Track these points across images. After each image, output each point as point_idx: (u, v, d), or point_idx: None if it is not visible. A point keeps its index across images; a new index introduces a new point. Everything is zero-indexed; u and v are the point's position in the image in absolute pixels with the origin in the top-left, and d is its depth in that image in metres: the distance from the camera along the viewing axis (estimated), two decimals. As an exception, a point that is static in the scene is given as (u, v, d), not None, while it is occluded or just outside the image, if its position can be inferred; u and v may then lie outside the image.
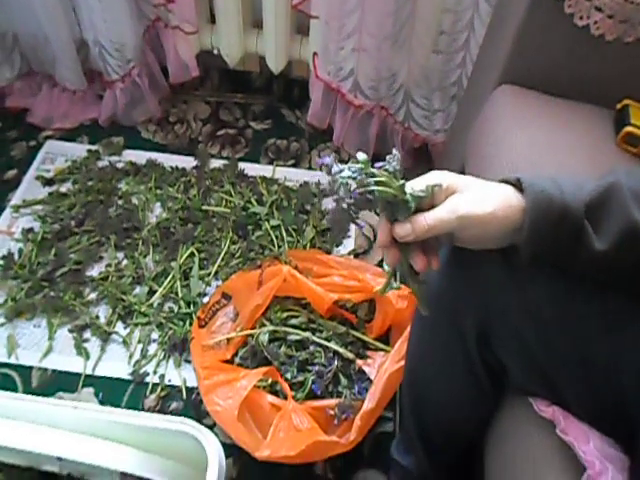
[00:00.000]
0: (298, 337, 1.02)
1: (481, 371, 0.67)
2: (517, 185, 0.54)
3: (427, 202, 0.54)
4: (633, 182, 0.52)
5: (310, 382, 0.98)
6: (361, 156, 0.51)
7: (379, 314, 1.04)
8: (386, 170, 0.52)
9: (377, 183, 0.51)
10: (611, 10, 0.88)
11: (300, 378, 0.99)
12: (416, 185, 0.53)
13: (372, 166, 0.53)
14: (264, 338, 1.02)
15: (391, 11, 1.19)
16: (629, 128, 0.90)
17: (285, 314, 1.06)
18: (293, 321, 1.06)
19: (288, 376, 0.99)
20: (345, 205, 0.52)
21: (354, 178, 0.51)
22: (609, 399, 0.59)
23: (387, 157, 0.53)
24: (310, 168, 1.48)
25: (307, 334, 1.02)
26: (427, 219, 0.53)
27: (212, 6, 1.37)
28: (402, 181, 0.52)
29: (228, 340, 1.04)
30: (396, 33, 1.24)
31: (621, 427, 0.61)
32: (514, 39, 0.97)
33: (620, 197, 0.51)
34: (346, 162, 0.53)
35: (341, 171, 0.51)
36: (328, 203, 1.39)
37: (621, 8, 0.87)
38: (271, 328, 1.03)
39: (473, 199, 0.53)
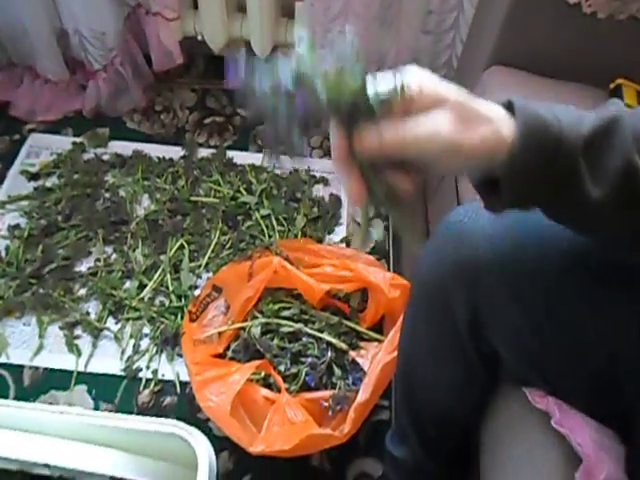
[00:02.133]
0: (290, 329, 1.01)
1: (474, 358, 0.67)
2: (508, 107, 0.46)
3: (397, 106, 0.42)
4: (636, 120, 0.46)
5: (303, 374, 0.97)
6: (300, 33, 0.38)
7: (372, 303, 1.03)
8: (339, 60, 0.38)
9: (327, 86, 0.38)
10: (603, -14, 0.86)
11: (293, 370, 0.98)
12: (381, 84, 0.42)
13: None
14: (256, 331, 1.01)
15: (377, -9, 1.16)
16: (622, 108, 0.88)
17: (277, 306, 1.05)
18: (285, 313, 1.04)
19: (281, 368, 0.98)
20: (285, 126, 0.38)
21: (292, 72, 0.38)
22: (602, 385, 0.59)
23: (336, 39, 0.43)
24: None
25: (299, 325, 1.01)
26: (404, 130, 0.42)
27: (194, -10, 1.34)
28: (362, 79, 0.39)
29: (220, 334, 1.03)
30: (383, 14, 1.21)
31: (616, 415, 0.60)
32: (504, 18, 0.95)
33: (621, 136, 0.45)
34: None
35: (279, 64, 0.37)
36: (319, 190, 1.37)
37: (613, -16, 0.85)
38: (263, 320, 1.02)
39: (460, 120, 0.43)
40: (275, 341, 1.01)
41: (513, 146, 0.44)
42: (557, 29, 0.93)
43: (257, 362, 0.96)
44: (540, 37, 0.94)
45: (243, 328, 1.03)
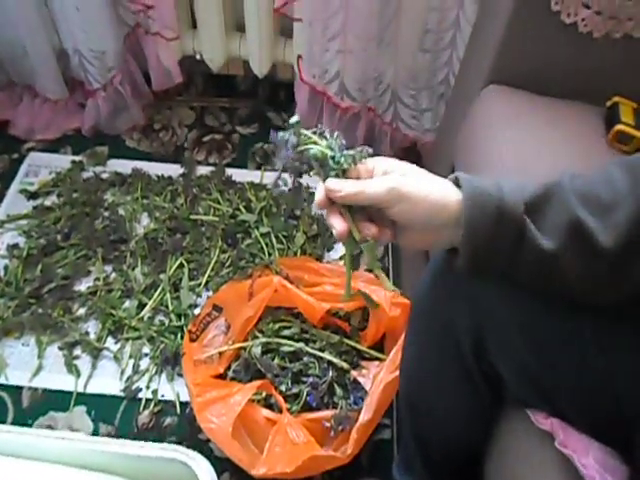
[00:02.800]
0: (291, 348, 1.01)
1: (479, 380, 0.66)
2: (455, 182, 0.54)
3: (363, 172, 0.56)
4: (577, 183, 0.51)
5: (305, 394, 0.96)
6: (293, 119, 0.55)
7: (372, 322, 1.02)
8: (316, 133, 0.56)
9: (309, 142, 0.55)
10: (599, 6, 0.87)
11: (295, 390, 0.97)
12: (350, 151, 0.56)
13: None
14: (257, 350, 1.00)
15: (375, 11, 1.17)
16: (619, 126, 0.88)
17: (277, 325, 1.04)
18: (286, 332, 1.04)
19: (282, 388, 0.97)
20: (284, 165, 0.56)
21: (287, 140, 0.55)
22: (605, 407, 0.58)
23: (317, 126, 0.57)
24: (299, 172, 1.46)
25: (300, 345, 1.01)
26: (357, 182, 0.54)
27: (193, 11, 1.35)
28: (332, 140, 0.55)
29: (220, 354, 1.02)
30: (381, 33, 1.22)
31: (618, 435, 0.60)
32: (501, 38, 0.95)
33: (562, 195, 0.51)
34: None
35: (279, 136, 0.56)
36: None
37: (609, 4, 0.86)
38: (264, 340, 1.02)
39: (410, 179, 0.53)
40: (276, 361, 1.01)
41: (460, 214, 0.51)
42: (554, 48, 0.93)
43: (258, 382, 0.95)
44: (537, 56, 0.95)
45: (244, 348, 1.02)
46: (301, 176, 0.57)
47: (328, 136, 0.56)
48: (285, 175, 0.57)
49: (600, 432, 0.60)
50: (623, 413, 0.57)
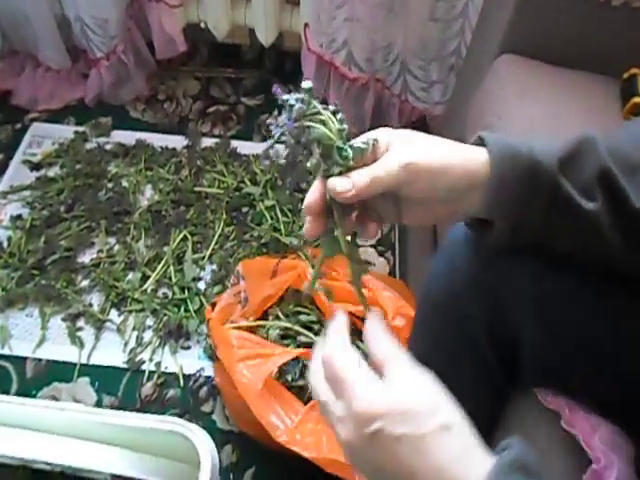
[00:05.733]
0: (309, 340, 0.98)
1: (494, 365, 0.63)
2: (479, 143, 0.48)
3: (368, 159, 0.46)
4: (608, 140, 0.48)
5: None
6: (306, 84, 0.45)
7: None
8: (329, 110, 0.45)
9: (316, 119, 0.45)
10: (618, -27, 0.83)
11: (300, 383, 0.95)
12: (357, 140, 0.46)
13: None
14: (274, 334, 0.98)
15: (385, -23, 1.13)
16: (637, 99, 0.85)
17: (297, 308, 1.03)
18: (303, 317, 1.02)
19: (289, 378, 0.95)
20: (281, 135, 0.46)
21: (291, 106, 0.45)
22: (616, 382, 0.57)
23: (333, 103, 0.47)
24: (305, 145, 1.44)
25: (318, 339, 0.99)
26: (368, 171, 0.44)
27: (197, -24, 1.31)
28: (344, 126, 0.45)
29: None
30: (391, 1, 1.18)
31: (628, 412, 0.59)
32: (515, 6, 0.92)
33: (594, 147, 0.47)
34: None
35: (287, 99, 0.46)
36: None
37: (629, -30, 0.82)
38: (282, 324, 0.99)
39: (422, 147, 0.46)
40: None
41: (486, 177, 0.46)
42: (570, 17, 0.90)
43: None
44: (552, 25, 0.92)
45: (262, 326, 1.00)
46: (296, 156, 0.46)
47: (343, 120, 0.45)
48: (280, 147, 0.47)
49: (610, 409, 0.59)
50: (634, 389, 0.56)
